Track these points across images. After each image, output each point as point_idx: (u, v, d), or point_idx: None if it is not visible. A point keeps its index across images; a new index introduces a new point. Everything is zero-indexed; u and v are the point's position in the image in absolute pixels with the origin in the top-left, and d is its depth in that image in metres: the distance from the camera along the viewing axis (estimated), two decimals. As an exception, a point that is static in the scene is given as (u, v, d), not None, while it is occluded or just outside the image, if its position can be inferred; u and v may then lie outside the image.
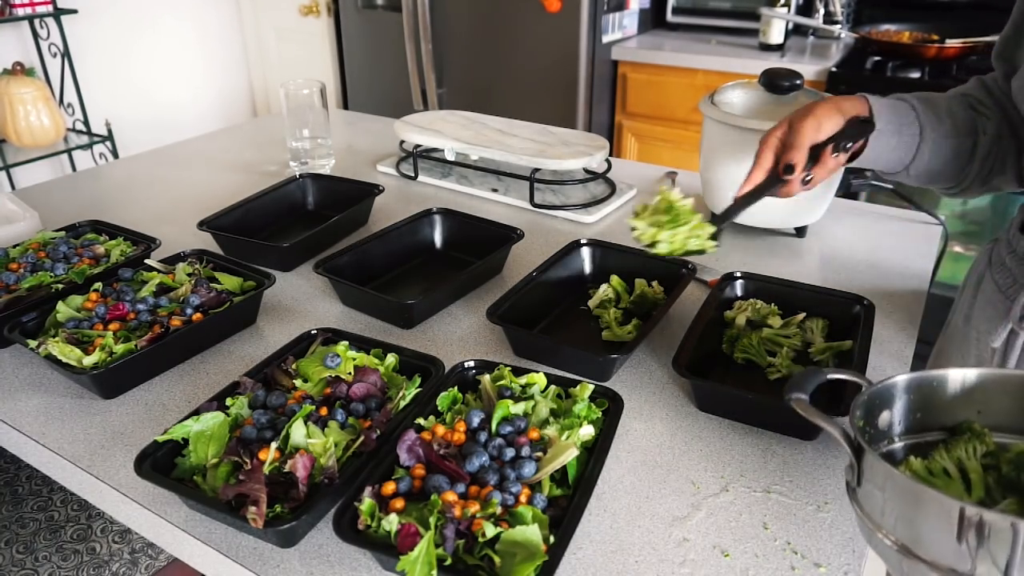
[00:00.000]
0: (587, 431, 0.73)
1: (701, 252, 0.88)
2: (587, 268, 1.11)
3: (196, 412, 0.75)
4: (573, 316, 1.05)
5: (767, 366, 0.91)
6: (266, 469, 0.68)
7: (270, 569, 0.67)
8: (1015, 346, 0.86)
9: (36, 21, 2.67)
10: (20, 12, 2.53)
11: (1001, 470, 0.59)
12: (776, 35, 2.53)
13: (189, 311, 0.95)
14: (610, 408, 0.78)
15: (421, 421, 0.75)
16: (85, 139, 2.79)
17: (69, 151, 2.75)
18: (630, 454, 0.80)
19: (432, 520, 0.62)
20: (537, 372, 0.81)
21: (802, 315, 0.96)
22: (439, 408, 0.77)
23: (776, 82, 1.19)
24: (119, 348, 0.87)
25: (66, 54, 2.66)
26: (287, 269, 1.17)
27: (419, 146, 1.53)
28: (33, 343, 0.88)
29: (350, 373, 0.81)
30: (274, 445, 0.70)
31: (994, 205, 2.22)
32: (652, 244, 0.88)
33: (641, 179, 1.52)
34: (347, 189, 1.36)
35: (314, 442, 0.71)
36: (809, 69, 2.34)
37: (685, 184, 1.49)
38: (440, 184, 1.50)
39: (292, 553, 0.68)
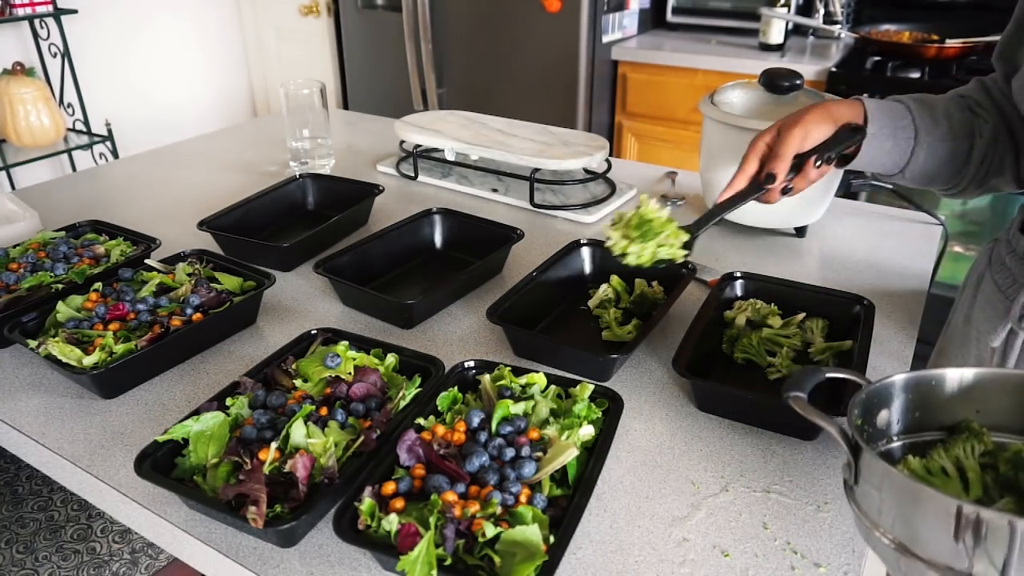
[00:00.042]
0: (587, 431, 0.73)
1: (672, 261, 0.89)
2: (587, 268, 1.11)
3: (196, 412, 0.75)
4: (573, 316, 1.05)
5: (767, 366, 0.91)
6: (266, 469, 0.68)
7: (270, 569, 0.67)
8: (1014, 346, 0.86)
9: (36, 21, 2.67)
10: (20, 12, 2.53)
11: (999, 469, 0.59)
12: (776, 35, 2.53)
13: (189, 311, 0.95)
14: (610, 408, 0.78)
15: (421, 421, 0.75)
16: (85, 139, 2.79)
17: (69, 151, 2.75)
18: (630, 454, 0.80)
19: (432, 520, 0.62)
20: (537, 372, 0.81)
21: (802, 315, 0.96)
22: (439, 408, 0.77)
23: (776, 82, 1.19)
24: (119, 348, 0.87)
25: (66, 54, 2.66)
26: (287, 269, 1.17)
27: (419, 146, 1.53)
28: (33, 343, 0.88)
29: (350, 373, 0.81)
30: (274, 445, 0.70)
31: (994, 205, 2.22)
32: (623, 255, 0.89)
33: (641, 179, 1.52)
34: (347, 189, 1.36)
35: (314, 442, 0.71)
36: (809, 69, 2.35)
37: (685, 184, 1.49)
38: (440, 184, 1.50)
39: (292, 553, 0.68)
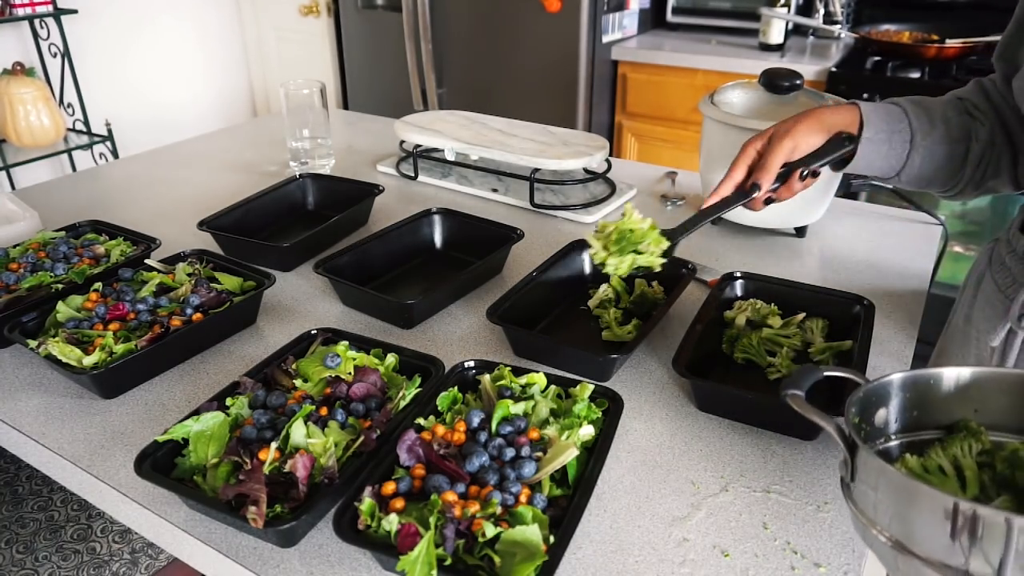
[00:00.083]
0: (587, 431, 0.73)
1: (650, 269, 0.91)
2: (587, 268, 1.11)
3: (196, 412, 0.75)
4: (573, 316, 1.05)
5: (767, 366, 0.91)
6: (266, 469, 0.68)
7: (270, 569, 0.67)
8: (1013, 345, 0.87)
9: (36, 21, 2.67)
10: (20, 12, 2.53)
11: (996, 468, 0.59)
12: (776, 35, 2.53)
13: (189, 311, 0.95)
14: (610, 408, 0.78)
15: (421, 421, 0.75)
16: (85, 139, 2.79)
17: (69, 151, 2.75)
18: (630, 454, 0.80)
19: (432, 520, 0.62)
20: (537, 372, 0.81)
21: (802, 315, 0.96)
22: (439, 408, 0.77)
23: (776, 82, 1.19)
24: (119, 348, 0.87)
25: (66, 54, 2.66)
26: (287, 269, 1.17)
27: (419, 146, 1.53)
28: (33, 343, 0.88)
29: (350, 373, 0.81)
30: (274, 445, 0.70)
31: (994, 205, 2.22)
32: (602, 265, 0.91)
33: (641, 179, 1.52)
34: (347, 189, 1.36)
35: (314, 442, 0.71)
36: (809, 69, 2.35)
37: (685, 184, 1.49)
38: (440, 184, 1.50)
39: (292, 553, 0.68)
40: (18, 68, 2.56)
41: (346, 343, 0.86)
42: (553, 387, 0.80)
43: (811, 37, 2.77)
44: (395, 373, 0.85)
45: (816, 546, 0.69)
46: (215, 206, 1.30)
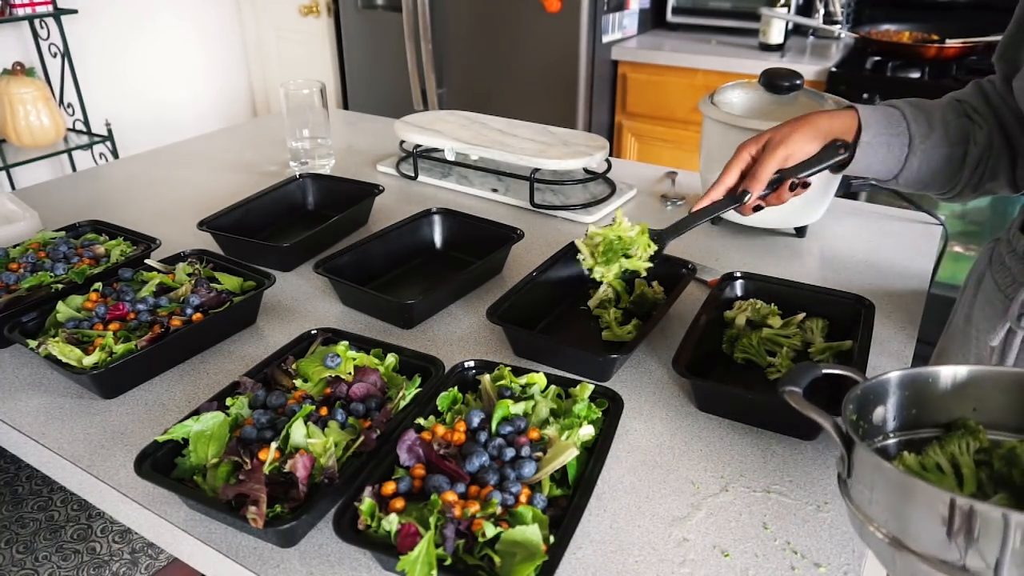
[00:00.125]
0: (587, 431, 0.73)
1: (637, 274, 0.97)
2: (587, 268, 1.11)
3: (196, 412, 0.75)
4: (573, 316, 1.05)
5: (767, 366, 0.91)
6: (266, 469, 0.68)
7: (270, 569, 0.67)
8: (1013, 345, 0.87)
9: (36, 21, 2.67)
10: (20, 12, 2.53)
11: (993, 466, 0.59)
12: (776, 35, 2.53)
13: (189, 311, 0.95)
14: (610, 408, 0.78)
15: (421, 421, 0.75)
16: (85, 139, 2.79)
17: (69, 151, 2.75)
18: (630, 454, 0.80)
19: (432, 520, 0.62)
20: (537, 372, 0.81)
21: (802, 315, 0.96)
22: (439, 408, 0.77)
23: (776, 82, 1.19)
24: (119, 348, 0.87)
25: (66, 54, 2.66)
26: (287, 269, 1.17)
27: (419, 146, 1.53)
28: (33, 343, 0.88)
29: (350, 373, 0.81)
30: (274, 445, 0.70)
31: (994, 205, 2.22)
32: (591, 270, 0.97)
33: (641, 179, 1.52)
34: (347, 189, 1.36)
35: (314, 442, 0.71)
36: (809, 69, 2.34)
37: (685, 184, 1.49)
38: (440, 184, 1.50)
39: (292, 553, 0.68)
40: (18, 68, 2.56)
41: (346, 343, 0.86)
42: (553, 387, 0.80)
43: (811, 37, 2.77)
44: (395, 373, 0.85)
45: (816, 546, 0.69)
46: (215, 206, 1.30)
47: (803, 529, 0.70)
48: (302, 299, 1.10)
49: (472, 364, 0.83)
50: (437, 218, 1.23)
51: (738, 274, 1.03)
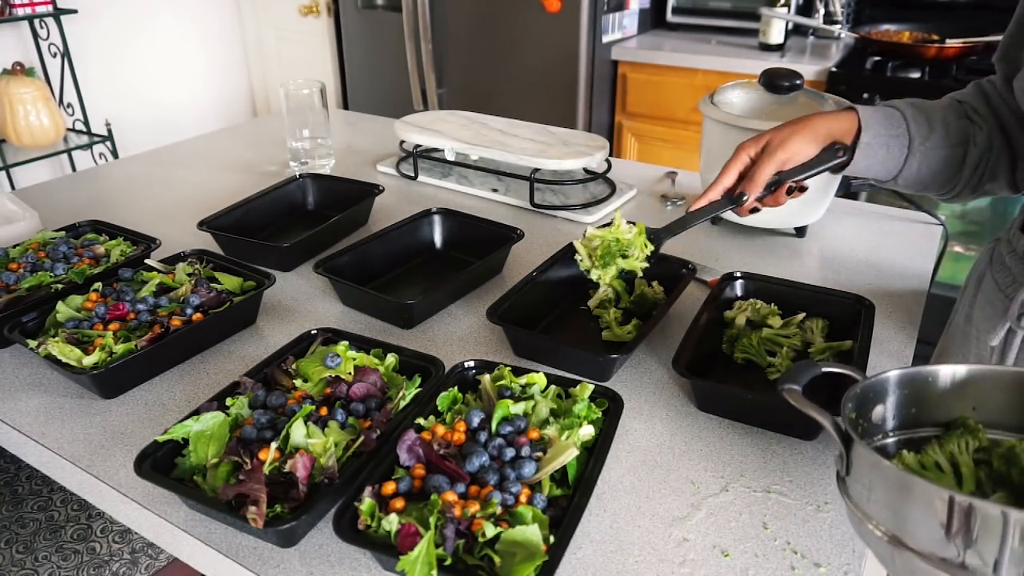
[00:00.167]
0: (587, 431, 0.73)
1: (634, 274, 0.97)
2: (587, 268, 1.11)
3: (196, 412, 0.75)
4: (573, 316, 1.05)
5: (767, 366, 0.91)
6: (266, 469, 0.68)
7: (270, 569, 0.67)
8: (1012, 345, 0.87)
9: (36, 21, 2.67)
10: (20, 12, 2.53)
11: (992, 465, 0.59)
12: (776, 35, 2.53)
13: (189, 311, 0.95)
14: (610, 408, 0.78)
15: (421, 421, 0.75)
16: (85, 139, 2.79)
17: (69, 151, 2.75)
18: (630, 454, 0.80)
19: (432, 520, 0.62)
20: (537, 372, 0.81)
21: (802, 315, 0.96)
22: (439, 408, 0.77)
23: (776, 82, 1.19)
24: (119, 348, 0.87)
25: (66, 54, 2.66)
26: (287, 269, 1.17)
27: (419, 146, 1.53)
28: (33, 343, 0.88)
29: (350, 373, 0.81)
30: (274, 445, 0.70)
31: (994, 205, 2.22)
32: (588, 272, 0.97)
33: (641, 179, 1.52)
34: (347, 189, 1.36)
35: (314, 442, 0.71)
36: (809, 69, 2.34)
37: (685, 184, 1.49)
38: (440, 184, 1.50)
39: (292, 553, 0.68)
40: (18, 68, 2.56)
41: (346, 343, 0.86)
42: (553, 387, 0.80)
43: (811, 37, 2.77)
44: (395, 373, 0.85)
45: (816, 546, 0.69)
46: (215, 206, 1.30)
47: (803, 529, 0.70)
48: (302, 299, 1.10)
49: (472, 364, 0.83)
50: (437, 218, 1.23)
51: (738, 274, 1.03)
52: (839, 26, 2.62)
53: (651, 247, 0.97)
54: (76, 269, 1.04)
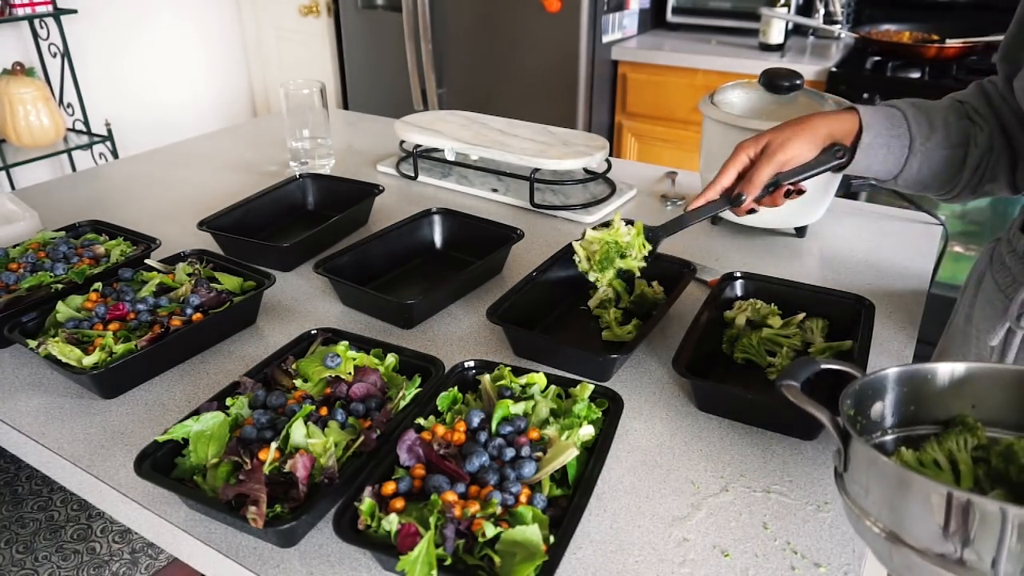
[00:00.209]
0: (587, 431, 0.73)
1: (632, 274, 0.98)
2: (587, 268, 1.11)
3: (196, 412, 0.75)
4: (573, 316, 1.05)
5: (767, 366, 0.91)
6: (266, 469, 0.68)
7: (270, 569, 0.67)
8: (1012, 344, 0.87)
9: (36, 21, 2.67)
10: (20, 12, 2.53)
11: (991, 463, 0.59)
12: (776, 35, 2.53)
13: (189, 311, 0.95)
14: (610, 408, 0.78)
15: (421, 421, 0.75)
16: (85, 139, 2.79)
17: (69, 151, 2.75)
18: (630, 454, 0.80)
19: (432, 520, 0.62)
20: (537, 372, 0.81)
21: (802, 315, 0.96)
22: (439, 408, 0.77)
23: (776, 82, 1.19)
24: (119, 348, 0.87)
25: (66, 54, 2.66)
26: (287, 269, 1.17)
27: (419, 146, 1.53)
28: (33, 343, 0.88)
29: (350, 373, 0.81)
30: (274, 445, 0.70)
31: (994, 205, 2.22)
32: (586, 273, 0.98)
33: (641, 179, 1.52)
34: (347, 189, 1.36)
35: (314, 442, 0.71)
36: (809, 69, 2.34)
37: (685, 184, 1.49)
38: (440, 184, 1.50)
39: (292, 553, 0.68)
40: (18, 68, 2.56)
41: (346, 343, 0.86)
42: (553, 387, 0.80)
43: (811, 37, 2.77)
44: (395, 373, 0.85)
45: (816, 546, 0.69)
46: (215, 206, 1.30)
47: (803, 529, 0.70)
48: (302, 299, 1.10)
49: (472, 364, 0.83)
50: (437, 218, 1.23)
51: (738, 274, 1.03)
52: (839, 26, 2.62)
53: (649, 246, 0.97)
54: (76, 269, 1.04)
